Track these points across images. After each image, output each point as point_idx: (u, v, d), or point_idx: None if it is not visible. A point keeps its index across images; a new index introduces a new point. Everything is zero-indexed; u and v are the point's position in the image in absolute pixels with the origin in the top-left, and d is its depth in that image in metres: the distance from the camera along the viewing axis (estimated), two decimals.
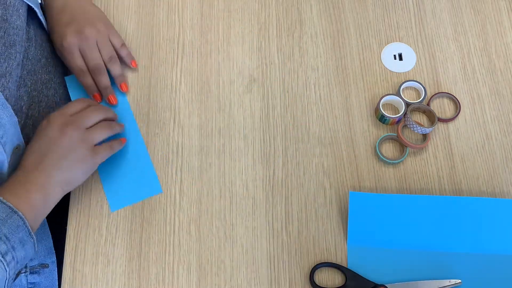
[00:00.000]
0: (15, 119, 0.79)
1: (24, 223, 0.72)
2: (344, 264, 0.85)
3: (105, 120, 0.86)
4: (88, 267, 0.85)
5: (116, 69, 0.94)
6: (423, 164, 0.93)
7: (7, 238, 0.70)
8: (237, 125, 0.95)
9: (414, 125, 0.92)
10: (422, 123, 0.95)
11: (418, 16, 1.06)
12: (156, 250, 0.87)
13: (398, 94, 0.97)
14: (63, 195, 0.80)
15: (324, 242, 0.87)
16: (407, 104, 0.95)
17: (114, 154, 0.88)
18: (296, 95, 0.98)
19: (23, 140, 0.82)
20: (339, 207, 0.90)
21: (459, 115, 0.97)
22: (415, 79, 0.99)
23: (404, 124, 0.94)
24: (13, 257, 0.71)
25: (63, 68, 0.99)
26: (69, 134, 0.79)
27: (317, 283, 0.84)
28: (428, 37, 1.04)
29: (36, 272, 0.89)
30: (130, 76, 0.99)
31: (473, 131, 0.96)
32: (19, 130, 0.81)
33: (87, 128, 0.82)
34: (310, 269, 0.85)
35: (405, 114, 0.94)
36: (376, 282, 0.83)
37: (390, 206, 0.87)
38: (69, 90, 0.95)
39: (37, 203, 0.76)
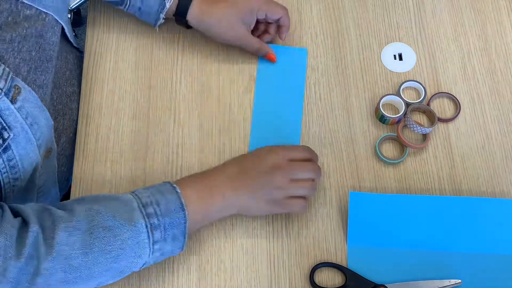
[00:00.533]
0: (51, 123, 0.81)
1: (184, 223, 0.76)
2: (344, 264, 0.85)
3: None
4: None
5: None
6: (423, 164, 0.93)
7: (165, 228, 0.75)
8: (237, 125, 0.95)
9: (414, 125, 0.92)
10: (422, 123, 0.95)
11: (418, 16, 1.06)
12: None
13: (398, 94, 0.97)
14: (226, 217, 0.85)
15: (324, 242, 0.87)
16: (407, 104, 0.95)
17: (269, 133, 0.94)
18: None
19: (55, 144, 0.86)
20: (339, 207, 0.90)
21: (459, 115, 0.97)
22: (415, 79, 0.99)
23: (404, 124, 0.94)
24: (160, 248, 0.75)
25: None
26: (276, 177, 0.82)
27: (317, 283, 0.84)
28: (428, 37, 1.04)
29: None
30: (130, 76, 0.99)
31: (473, 131, 0.96)
32: (53, 134, 0.84)
33: (292, 179, 0.83)
34: (310, 269, 0.85)
35: (405, 114, 0.94)
36: (376, 282, 0.83)
37: (390, 206, 0.87)
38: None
39: (209, 212, 0.80)
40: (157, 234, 0.74)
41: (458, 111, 0.97)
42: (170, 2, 0.93)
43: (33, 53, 0.77)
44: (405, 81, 0.98)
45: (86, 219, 0.71)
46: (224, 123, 0.96)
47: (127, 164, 0.92)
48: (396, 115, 0.94)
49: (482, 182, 0.92)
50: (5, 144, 0.71)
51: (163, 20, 0.96)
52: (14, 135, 0.72)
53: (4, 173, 0.73)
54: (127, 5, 0.95)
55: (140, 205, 0.74)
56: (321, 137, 0.95)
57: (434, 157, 0.94)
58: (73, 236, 0.69)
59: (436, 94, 0.98)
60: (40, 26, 0.78)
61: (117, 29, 1.03)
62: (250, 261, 0.86)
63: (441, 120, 0.96)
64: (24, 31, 0.75)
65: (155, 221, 0.74)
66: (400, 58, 1.02)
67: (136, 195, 0.76)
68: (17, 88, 0.72)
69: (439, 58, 1.02)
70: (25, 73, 0.75)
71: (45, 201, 0.88)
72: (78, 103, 0.96)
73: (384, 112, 0.94)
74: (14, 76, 0.72)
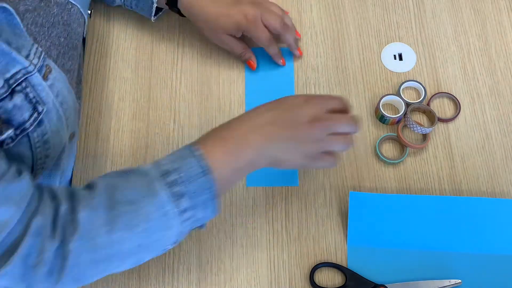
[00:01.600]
0: (77, 105, 0.82)
1: (212, 187, 0.70)
2: (344, 264, 0.85)
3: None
4: None
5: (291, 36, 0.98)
6: (423, 164, 0.93)
7: (191, 196, 0.69)
8: None
9: (414, 125, 0.92)
10: (422, 123, 0.95)
11: (418, 16, 1.06)
12: None
13: (398, 94, 0.97)
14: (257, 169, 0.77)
15: (324, 242, 0.87)
16: (407, 104, 0.95)
17: None
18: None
19: (78, 129, 0.86)
20: (339, 207, 0.90)
21: (459, 115, 0.97)
22: (415, 79, 0.99)
23: (404, 124, 0.94)
24: (192, 215, 0.70)
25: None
26: (315, 129, 0.75)
27: (317, 283, 0.84)
28: (428, 37, 1.04)
29: None
30: (130, 76, 0.99)
31: (473, 131, 0.96)
32: (78, 118, 0.84)
33: (328, 134, 0.76)
34: (310, 269, 0.85)
35: (405, 114, 0.94)
36: (376, 282, 0.83)
37: (390, 206, 0.87)
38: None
39: (239, 167, 0.74)
40: (184, 203, 0.69)
41: (458, 111, 0.97)
42: None
43: (62, 39, 0.81)
44: (405, 81, 0.98)
45: (106, 195, 0.68)
46: None
47: (127, 164, 0.92)
48: (396, 115, 0.94)
49: (482, 182, 0.92)
50: (40, 117, 0.72)
51: (161, 13, 0.97)
52: (47, 110, 0.73)
53: (38, 147, 0.73)
54: None
55: (160, 175, 0.69)
56: None
57: (434, 157, 0.94)
58: (95, 214, 0.66)
59: (436, 94, 0.98)
60: (67, 16, 0.83)
61: (117, 29, 1.03)
62: (250, 261, 0.86)
63: (441, 120, 0.96)
64: (53, 18, 0.79)
65: (179, 189, 0.69)
66: (400, 58, 1.02)
67: (155, 163, 0.71)
68: (48, 68, 0.74)
69: (439, 58, 1.02)
70: (55, 56, 0.79)
71: None
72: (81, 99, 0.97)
73: (384, 112, 0.94)
74: (45, 56, 0.74)
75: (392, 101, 0.96)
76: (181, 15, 0.96)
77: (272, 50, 0.97)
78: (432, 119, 0.95)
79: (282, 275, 0.85)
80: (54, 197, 0.67)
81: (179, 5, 0.94)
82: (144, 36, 1.02)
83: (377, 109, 0.96)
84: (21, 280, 0.64)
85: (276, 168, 0.77)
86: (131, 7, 0.99)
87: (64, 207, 0.66)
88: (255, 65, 0.99)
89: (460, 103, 0.97)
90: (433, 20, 1.05)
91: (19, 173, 0.65)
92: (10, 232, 0.62)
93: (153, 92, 0.98)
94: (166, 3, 0.95)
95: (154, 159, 0.72)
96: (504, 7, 1.07)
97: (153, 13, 0.97)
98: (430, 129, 0.93)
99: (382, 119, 0.95)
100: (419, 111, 0.97)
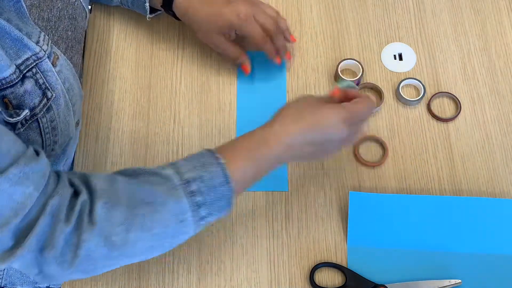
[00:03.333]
0: (82, 93, 0.83)
1: (231, 195, 0.71)
2: (344, 264, 0.85)
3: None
4: None
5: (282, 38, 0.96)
6: (423, 164, 0.93)
7: (211, 204, 0.70)
8: (237, 125, 0.95)
9: None
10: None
11: (418, 16, 1.06)
12: None
13: (397, 92, 0.97)
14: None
15: (324, 242, 0.87)
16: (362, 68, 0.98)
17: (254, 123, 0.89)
18: (296, 95, 0.98)
19: (81, 117, 0.87)
20: (339, 207, 0.90)
21: (459, 115, 0.97)
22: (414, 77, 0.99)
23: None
24: (207, 221, 0.71)
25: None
26: (348, 131, 0.75)
27: (317, 283, 0.84)
28: (428, 37, 1.04)
29: None
30: (130, 76, 0.99)
31: (473, 131, 0.96)
32: (81, 106, 0.85)
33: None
34: (310, 269, 0.85)
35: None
36: (376, 282, 0.83)
37: (390, 206, 0.87)
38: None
39: (259, 169, 0.75)
40: (203, 212, 0.70)
41: (458, 111, 0.97)
42: None
43: (69, 33, 0.82)
44: (404, 79, 0.98)
45: (127, 194, 0.68)
46: (224, 123, 0.95)
47: (127, 164, 0.92)
48: (355, 78, 0.97)
49: (482, 182, 0.92)
50: (49, 103, 0.73)
51: (158, 13, 0.98)
52: (56, 96, 0.74)
53: (47, 133, 0.75)
54: None
55: (182, 182, 0.69)
56: None
57: (434, 157, 0.94)
58: (114, 212, 0.66)
59: (436, 94, 0.98)
60: (72, 10, 0.83)
61: (117, 29, 1.03)
62: (250, 261, 0.86)
63: (441, 120, 0.96)
64: (58, 12, 0.80)
65: (200, 199, 0.69)
66: (400, 58, 1.02)
67: (177, 169, 0.71)
68: (56, 55, 0.75)
69: (439, 58, 1.02)
70: (63, 49, 0.80)
71: None
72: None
73: (343, 76, 0.97)
74: (53, 45, 0.75)
75: (350, 65, 0.99)
76: (177, 18, 0.95)
77: (268, 48, 0.94)
78: (380, 95, 0.97)
79: (282, 275, 0.85)
80: (72, 183, 0.67)
81: (174, 9, 0.93)
82: (144, 36, 1.02)
83: (336, 74, 0.97)
84: (35, 263, 0.64)
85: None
86: (128, 6, 1.00)
87: (83, 197, 0.65)
88: (249, 70, 0.97)
89: (461, 103, 0.97)
90: (433, 20, 1.05)
91: (37, 153, 0.65)
92: (27, 213, 0.62)
93: (153, 92, 0.98)
94: (161, 6, 0.94)
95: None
96: (504, 7, 1.07)
97: (148, 12, 0.96)
98: (377, 108, 0.95)
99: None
100: (365, 88, 0.98)
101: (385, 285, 0.83)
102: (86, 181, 0.68)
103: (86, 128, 0.94)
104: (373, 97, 0.97)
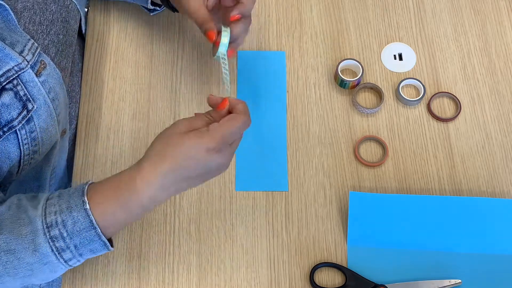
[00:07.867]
0: (67, 101, 0.83)
1: (98, 239, 0.68)
2: (344, 264, 0.86)
3: None
4: (88, 267, 0.85)
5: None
6: (423, 164, 0.93)
7: (76, 247, 0.68)
8: None
9: (360, 107, 0.93)
10: (373, 101, 0.97)
11: (418, 16, 1.06)
12: (156, 250, 0.87)
13: (397, 92, 0.97)
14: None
15: (324, 242, 0.87)
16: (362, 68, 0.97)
17: (253, 138, 0.91)
18: (296, 95, 0.98)
19: (68, 126, 0.86)
20: (339, 207, 0.90)
21: (459, 115, 0.97)
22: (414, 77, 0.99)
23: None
24: (77, 261, 0.70)
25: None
26: (220, 156, 0.69)
27: (317, 283, 0.84)
28: (428, 37, 1.04)
29: None
30: (130, 76, 0.99)
31: (473, 131, 0.96)
32: (67, 114, 0.85)
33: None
34: (310, 269, 0.85)
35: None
36: (376, 282, 0.83)
37: (390, 206, 0.87)
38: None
39: (131, 212, 0.70)
40: (68, 255, 0.68)
41: (458, 111, 0.97)
42: None
43: (61, 37, 0.82)
44: (404, 79, 0.98)
45: None
46: None
47: (127, 164, 0.92)
48: (355, 78, 0.97)
49: (482, 182, 0.92)
50: (29, 115, 0.73)
51: (159, 10, 0.97)
52: (37, 107, 0.73)
53: (26, 144, 0.74)
54: None
55: (44, 226, 0.67)
56: (321, 137, 0.95)
57: (434, 157, 0.94)
58: None
59: (436, 94, 0.98)
60: (65, 13, 0.83)
61: (117, 29, 1.03)
62: (250, 261, 0.86)
63: (441, 120, 0.96)
64: (51, 16, 0.80)
65: (62, 244, 0.67)
66: (400, 58, 1.02)
67: (45, 209, 0.68)
68: (43, 63, 0.75)
69: (439, 58, 1.02)
70: (53, 54, 0.80)
71: (55, 185, 0.89)
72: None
73: (343, 77, 0.96)
74: (41, 52, 0.75)
75: (350, 65, 0.99)
76: (174, 10, 0.91)
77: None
78: (380, 96, 0.96)
79: (282, 275, 0.85)
80: None
81: None
82: (144, 36, 1.02)
83: (336, 75, 0.97)
84: None
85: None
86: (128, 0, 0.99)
87: None
88: (214, 37, 0.83)
89: (461, 103, 0.97)
90: (433, 20, 1.05)
91: None
92: None
93: (153, 92, 0.98)
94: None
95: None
96: (504, 7, 1.07)
97: (149, 2, 0.94)
98: (377, 109, 0.94)
99: (342, 83, 0.97)
100: (365, 88, 0.98)
101: (385, 285, 0.83)
102: None
103: (86, 128, 0.94)
104: (372, 97, 0.97)
